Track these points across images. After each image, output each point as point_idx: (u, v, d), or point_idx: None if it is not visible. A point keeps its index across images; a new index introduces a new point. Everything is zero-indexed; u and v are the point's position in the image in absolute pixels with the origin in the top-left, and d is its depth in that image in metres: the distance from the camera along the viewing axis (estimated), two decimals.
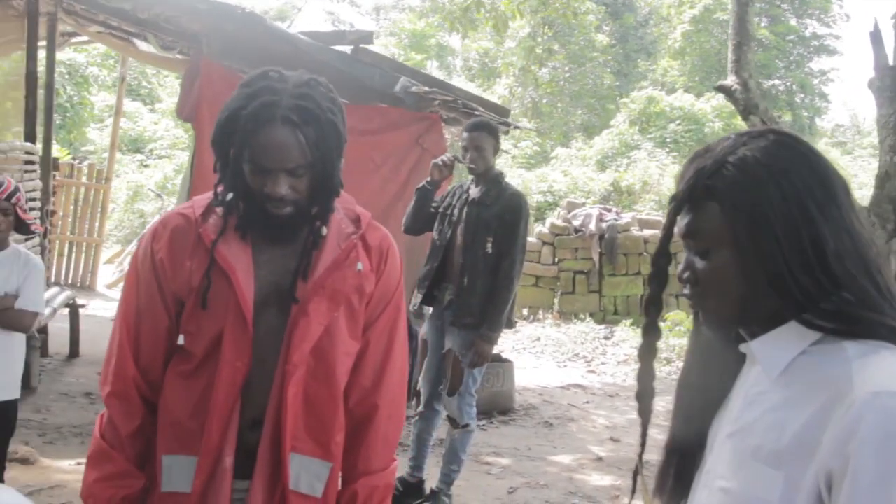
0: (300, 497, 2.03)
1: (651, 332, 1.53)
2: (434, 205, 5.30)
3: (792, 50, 43.16)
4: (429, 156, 7.37)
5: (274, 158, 1.93)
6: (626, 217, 14.19)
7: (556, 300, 13.75)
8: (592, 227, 13.45)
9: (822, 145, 36.05)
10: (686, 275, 1.41)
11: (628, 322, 13.09)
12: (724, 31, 39.51)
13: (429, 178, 5.25)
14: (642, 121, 27.14)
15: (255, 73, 2.02)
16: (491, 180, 5.16)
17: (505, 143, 13.80)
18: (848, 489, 1.16)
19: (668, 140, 25.93)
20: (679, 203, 1.40)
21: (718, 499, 1.35)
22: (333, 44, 7.29)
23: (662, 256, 1.48)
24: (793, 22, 42.91)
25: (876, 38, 5.11)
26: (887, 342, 1.26)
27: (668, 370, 10.68)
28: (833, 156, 31.71)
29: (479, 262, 5.05)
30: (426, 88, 7.26)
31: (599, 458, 6.58)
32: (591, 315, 13.61)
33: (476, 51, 35.28)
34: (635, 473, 1.63)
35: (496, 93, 29.93)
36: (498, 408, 7.72)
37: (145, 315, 2.07)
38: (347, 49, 7.31)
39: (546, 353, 11.47)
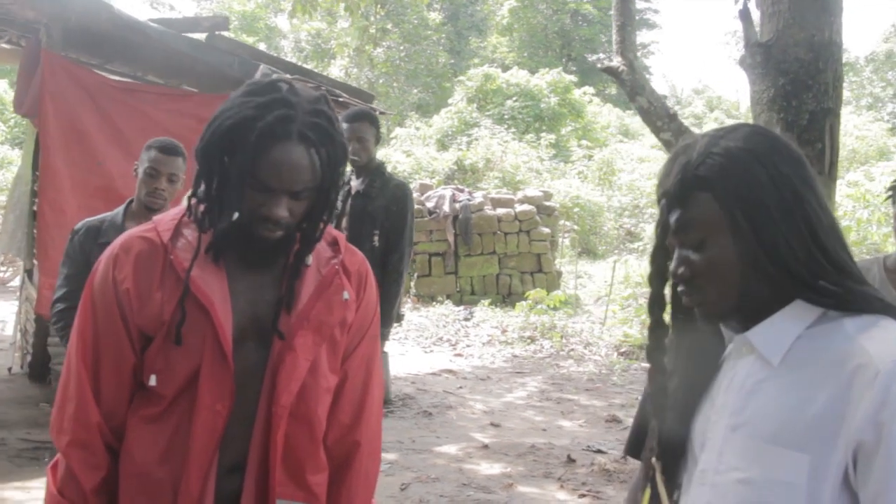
0: None
1: (658, 331, 1.55)
2: None
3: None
4: None
5: (284, 179, 1.74)
6: (479, 197, 14.25)
7: (412, 284, 13.69)
8: (446, 208, 13.45)
9: None
10: (681, 270, 1.41)
11: (486, 302, 13.18)
12: (550, 7, 40.58)
13: None
14: (480, 98, 27.44)
15: (263, 82, 1.81)
16: (374, 171, 5.00)
17: None
18: (885, 453, 1.20)
19: (506, 116, 26.33)
20: (672, 198, 1.41)
21: (738, 491, 1.34)
22: (187, 31, 6.89)
23: (661, 253, 1.49)
24: None
25: (745, 15, 5.21)
26: (882, 315, 1.31)
27: (533, 348, 10.83)
28: None
29: (367, 257, 4.86)
30: (287, 76, 6.97)
31: (485, 446, 6.53)
32: (449, 297, 13.63)
33: (308, 32, 34.66)
34: (653, 476, 1.60)
35: (332, 74, 29.52)
36: None
37: (106, 352, 1.83)
38: (202, 36, 6.94)
39: (410, 338, 11.39)
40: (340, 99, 7.08)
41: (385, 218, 4.89)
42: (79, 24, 6.47)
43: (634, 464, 6.19)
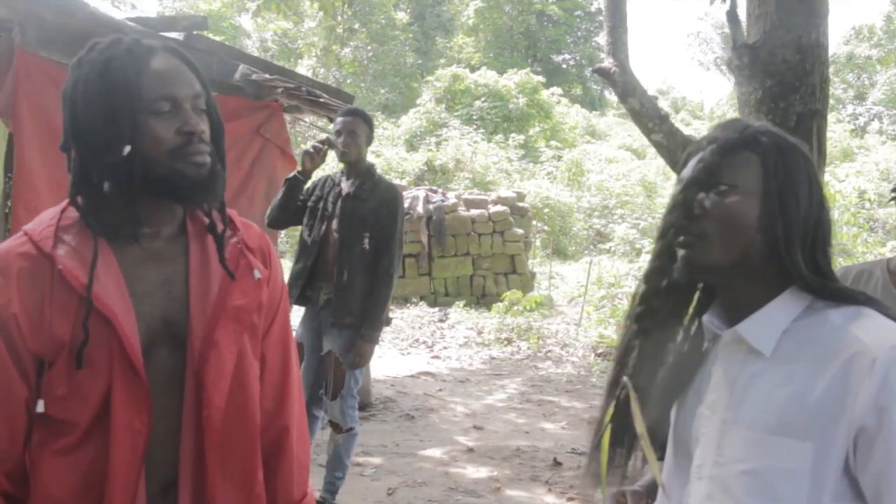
0: None
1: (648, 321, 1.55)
2: (300, 198, 5.01)
3: (580, 25, 44.94)
4: (271, 146, 7.04)
5: (179, 83, 1.63)
6: (452, 197, 14.22)
7: None
8: (420, 209, 13.40)
9: (610, 117, 37.77)
10: (696, 209, 1.42)
11: (461, 303, 13.16)
12: (515, 8, 40.68)
13: (299, 168, 4.95)
14: (448, 98, 27.43)
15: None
16: (363, 173, 4.93)
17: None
18: (886, 437, 1.26)
19: (474, 117, 26.36)
20: (722, 144, 1.44)
21: (743, 482, 1.37)
22: (164, 30, 6.77)
23: (670, 230, 1.48)
24: None
25: (732, 16, 5.23)
26: (864, 305, 1.38)
27: (510, 350, 10.82)
28: (631, 129, 33.21)
29: (356, 260, 4.81)
30: (267, 76, 6.89)
31: (470, 449, 6.51)
32: (423, 298, 13.59)
33: (274, 32, 34.45)
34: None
35: None
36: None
37: None
38: (179, 36, 6.83)
39: (386, 339, 11.32)
40: (321, 99, 7.00)
41: (375, 220, 4.82)
42: (54, 23, 6.34)
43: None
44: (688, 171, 1.46)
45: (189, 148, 1.62)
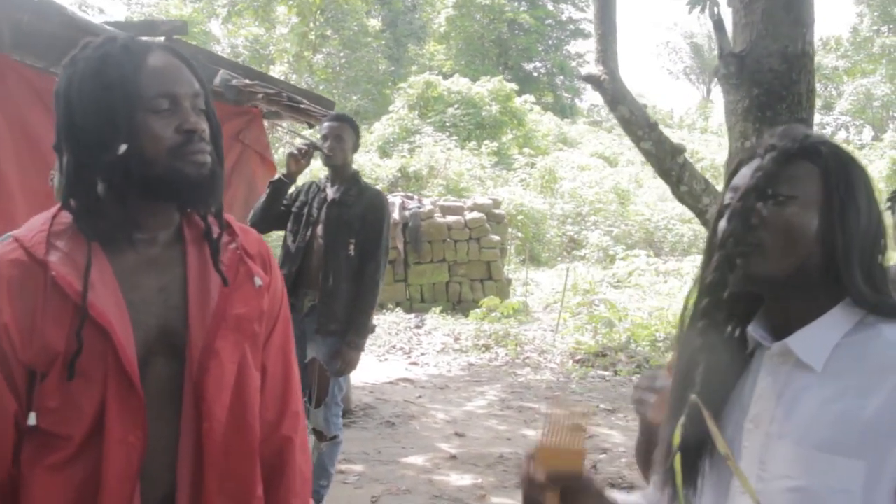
0: None
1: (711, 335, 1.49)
2: (284, 203, 4.96)
3: (551, 33, 45.13)
4: (250, 152, 6.98)
5: (178, 81, 1.60)
6: (428, 204, 14.21)
7: None
8: (396, 215, 13.36)
9: (580, 125, 37.93)
10: (754, 219, 1.39)
11: (437, 309, 13.14)
12: (486, 16, 40.76)
13: (284, 171, 4.91)
14: (421, 105, 27.40)
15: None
16: (349, 179, 4.90)
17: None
18: None
19: (447, 124, 26.36)
20: (783, 154, 1.40)
21: (789, 499, 1.33)
22: (143, 35, 6.70)
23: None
24: (549, 7, 44.84)
25: (718, 25, 5.26)
26: None
27: (488, 356, 10.80)
28: (603, 137, 33.41)
29: (342, 266, 4.77)
30: (247, 81, 6.83)
31: (453, 457, 6.47)
32: (399, 304, 13.55)
33: (245, 37, 34.26)
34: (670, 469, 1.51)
35: None
36: None
37: None
38: (160, 41, 6.76)
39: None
40: (301, 105, 6.95)
41: (361, 226, 4.78)
42: (30, 26, 6.24)
43: (605, 473, 6.20)
44: (743, 180, 1.43)
45: (189, 146, 1.57)
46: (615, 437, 7.28)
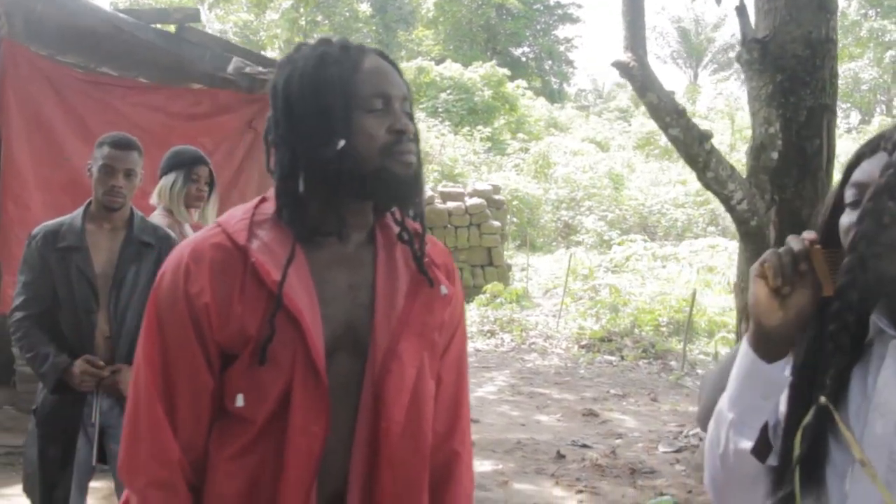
0: None
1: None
2: None
3: (539, 18, 45.04)
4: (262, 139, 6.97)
5: (392, 82, 1.60)
6: (428, 190, 14.21)
7: None
8: None
9: (568, 109, 37.93)
10: (887, 219, 1.32)
11: None
12: (474, 1, 40.68)
13: None
14: (413, 91, 27.34)
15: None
16: None
17: None
18: None
19: (440, 109, 26.32)
20: None
21: None
22: (156, 22, 6.67)
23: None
24: None
25: (742, 11, 5.27)
26: None
27: (494, 342, 10.84)
28: (594, 122, 33.38)
29: None
30: (261, 69, 6.82)
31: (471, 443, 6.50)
32: None
33: (234, 23, 34.11)
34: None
35: None
36: None
37: (181, 380, 1.59)
38: (172, 28, 6.73)
39: None
40: None
41: None
42: (42, 14, 6.20)
43: (623, 458, 6.24)
44: (866, 175, 1.40)
45: (400, 146, 1.59)
46: (628, 421, 7.33)
